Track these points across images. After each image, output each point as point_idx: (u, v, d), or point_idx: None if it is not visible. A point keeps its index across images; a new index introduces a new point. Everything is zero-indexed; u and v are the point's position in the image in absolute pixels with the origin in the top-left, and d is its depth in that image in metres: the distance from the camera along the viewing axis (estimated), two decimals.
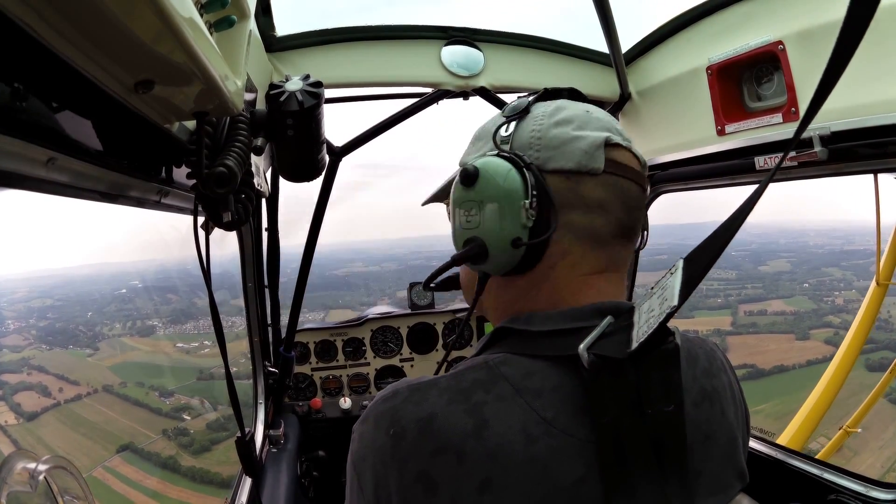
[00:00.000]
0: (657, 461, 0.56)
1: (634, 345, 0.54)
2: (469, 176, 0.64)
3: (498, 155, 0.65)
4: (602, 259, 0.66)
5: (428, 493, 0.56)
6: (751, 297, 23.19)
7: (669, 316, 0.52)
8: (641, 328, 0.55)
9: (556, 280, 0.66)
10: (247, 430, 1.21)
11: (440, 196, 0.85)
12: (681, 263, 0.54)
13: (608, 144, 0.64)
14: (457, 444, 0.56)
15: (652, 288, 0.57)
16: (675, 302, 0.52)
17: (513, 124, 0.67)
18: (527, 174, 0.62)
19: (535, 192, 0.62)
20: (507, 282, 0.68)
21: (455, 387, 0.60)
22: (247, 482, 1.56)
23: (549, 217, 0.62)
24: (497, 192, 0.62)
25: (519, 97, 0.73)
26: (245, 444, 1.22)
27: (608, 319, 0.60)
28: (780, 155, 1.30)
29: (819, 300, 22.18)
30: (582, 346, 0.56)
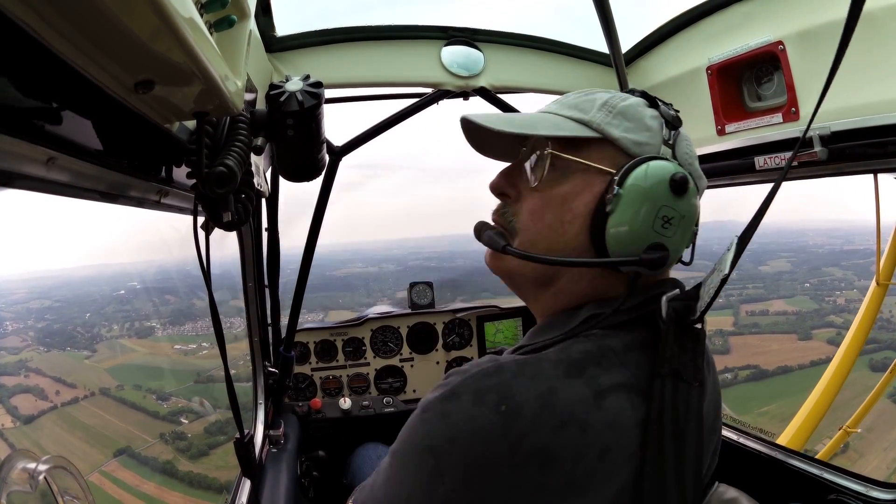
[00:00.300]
0: (680, 428, 0.62)
1: (698, 313, 0.62)
2: (683, 185, 0.64)
3: (680, 166, 0.67)
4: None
5: (545, 468, 0.56)
6: (752, 297, 23.12)
7: (724, 282, 0.61)
8: (704, 299, 0.63)
9: (653, 275, 0.70)
10: (246, 431, 1.20)
11: (516, 150, 0.77)
12: (735, 240, 0.63)
13: None
14: (580, 416, 0.58)
15: (714, 266, 0.65)
16: (727, 270, 0.60)
17: (672, 136, 0.70)
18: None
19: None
20: (612, 273, 0.69)
21: (567, 359, 0.62)
22: (246, 483, 1.56)
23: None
24: (692, 212, 0.66)
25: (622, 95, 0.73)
26: (244, 445, 1.22)
27: (676, 290, 0.67)
28: (783, 154, 1.30)
29: (821, 300, 22.10)
30: (665, 297, 0.64)
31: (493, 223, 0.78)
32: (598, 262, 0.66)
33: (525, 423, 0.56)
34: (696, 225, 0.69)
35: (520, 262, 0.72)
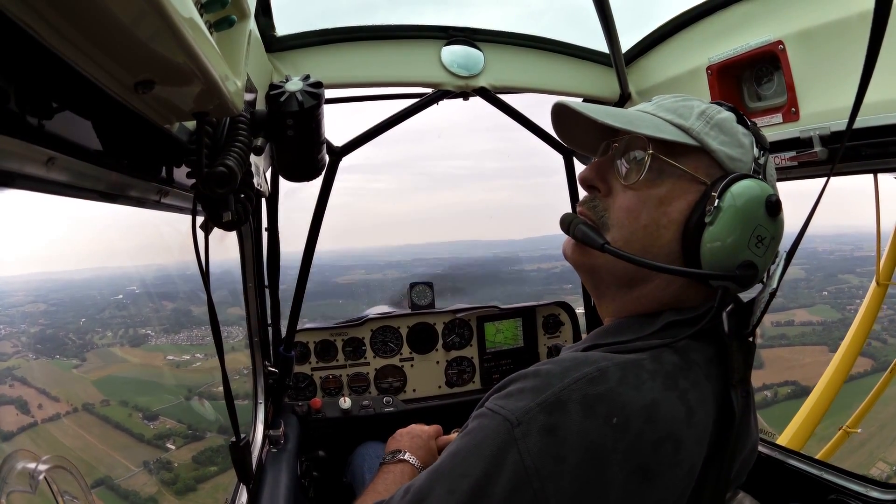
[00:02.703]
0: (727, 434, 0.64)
1: (750, 327, 0.65)
2: (777, 208, 0.65)
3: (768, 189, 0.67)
4: None
5: (643, 485, 0.56)
6: (773, 307, 22.49)
7: (772, 296, 0.64)
8: (756, 313, 0.66)
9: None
10: (242, 435, 1.18)
11: (599, 144, 0.77)
12: (783, 255, 0.66)
13: None
14: (676, 433, 0.58)
15: (764, 282, 0.68)
16: (775, 285, 0.65)
17: (762, 156, 0.71)
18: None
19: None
20: (696, 283, 0.70)
21: (662, 371, 0.61)
22: (243, 488, 1.55)
23: None
24: (781, 231, 0.67)
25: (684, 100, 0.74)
26: (240, 449, 1.19)
27: (730, 307, 0.67)
28: (783, 154, 1.30)
29: (842, 309, 21.24)
30: (725, 312, 0.65)
31: (580, 215, 0.76)
32: (697, 272, 0.66)
33: (631, 437, 0.55)
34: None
35: (610, 260, 0.70)
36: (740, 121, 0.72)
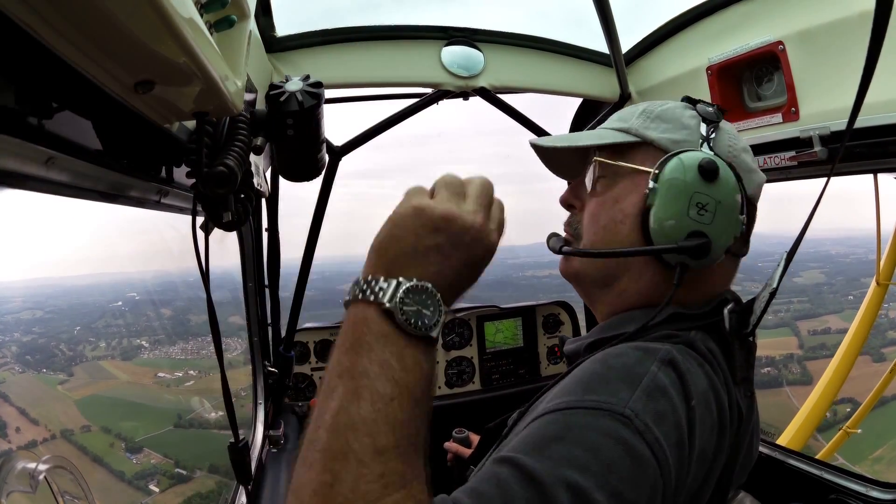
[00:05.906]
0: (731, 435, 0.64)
1: (750, 327, 0.66)
2: (713, 171, 0.66)
3: (718, 157, 0.68)
4: (734, 270, 0.76)
5: (700, 468, 0.58)
6: (803, 313, 21.98)
7: (772, 296, 0.64)
8: (756, 313, 0.66)
9: (709, 280, 0.72)
10: (241, 436, 1.17)
11: (573, 164, 0.83)
12: (784, 255, 0.66)
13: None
14: (717, 418, 0.61)
15: (766, 281, 0.68)
16: (774, 284, 0.64)
17: (710, 130, 0.72)
18: (742, 189, 0.69)
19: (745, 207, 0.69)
20: (669, 273, 0.70)
21: (698, 358, 0.64)
22: (242, 490, 1.55)
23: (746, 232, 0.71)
24: (731, 197, 0.67)
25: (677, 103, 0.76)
26: (238, 450, 1.19)
27: (731, 305, 0.69)
28: (783, 154, 1.30)
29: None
30: (726, 309, 0.66)
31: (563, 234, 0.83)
32: (637, 250, 0.69)
33: (698, 419, 0.57)
34: (744, 213, 0.69)
35: (583, 263, 0.77)
36: (691, 106, 0.74)
